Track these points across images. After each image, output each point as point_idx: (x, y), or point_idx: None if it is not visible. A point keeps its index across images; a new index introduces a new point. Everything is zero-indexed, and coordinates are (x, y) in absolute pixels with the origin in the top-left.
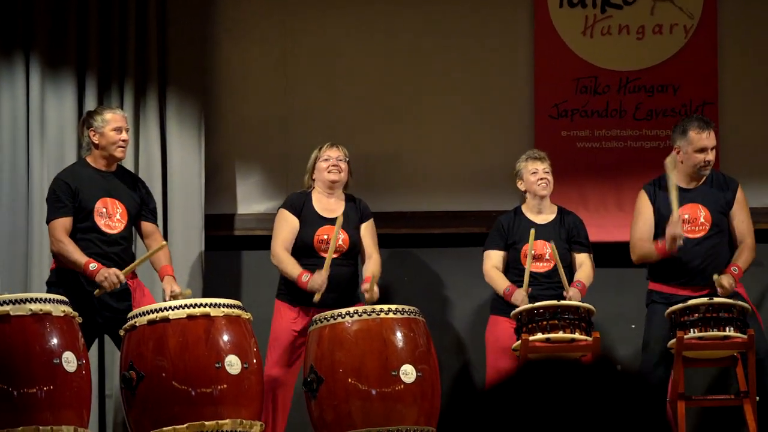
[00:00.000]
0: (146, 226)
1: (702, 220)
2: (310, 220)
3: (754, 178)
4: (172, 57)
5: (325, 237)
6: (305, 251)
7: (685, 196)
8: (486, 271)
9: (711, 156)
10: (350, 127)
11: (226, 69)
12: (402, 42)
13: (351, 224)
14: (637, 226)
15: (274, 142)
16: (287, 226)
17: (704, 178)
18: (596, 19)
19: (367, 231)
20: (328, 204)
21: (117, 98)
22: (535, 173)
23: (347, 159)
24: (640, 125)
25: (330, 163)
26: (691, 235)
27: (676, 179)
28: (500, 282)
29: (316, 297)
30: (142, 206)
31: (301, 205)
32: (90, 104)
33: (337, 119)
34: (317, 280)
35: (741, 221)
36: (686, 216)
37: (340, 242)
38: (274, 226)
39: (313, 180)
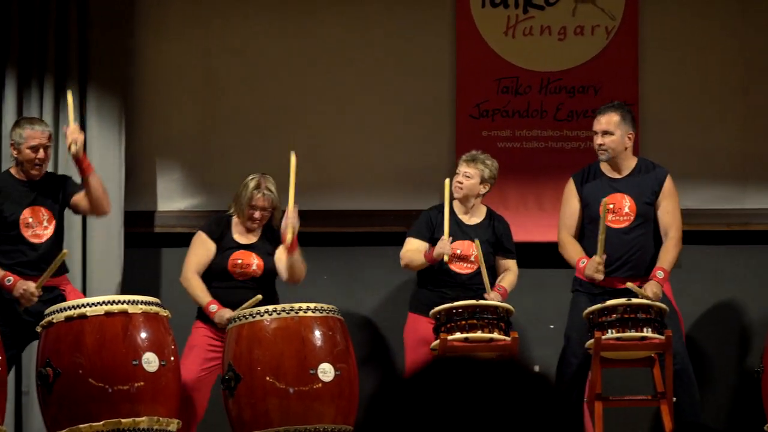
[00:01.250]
0: (78, 198)
1: (626, 210)
2: (226, 245)
3: (674, 179)
4: (93, 53)
5: (239, 261)
6: (220, 275)
7: (611, 185)
8: (402, 254)
9: (600, 140)
10: (271, 124)
11: (147, 66)
12: (324, 41)
13: (266, 251)
14: (563, 219)
15: (195, 140)
16: (203, 250)
17: (633, 168)
18: (518, 20)
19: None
20: (244, 231)
21: (37, 95)
22: (457, 174)
23: (274, 205)
24: (561, 126)
25: (255, 214)
26: (615, 226)
27: (604, 168)
28: (417, 253)
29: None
30: (66, 199)
31: (220, 231)
32: (9, 101)
33: (258, 117)
34: (224, 316)
35: (666, 212)
36: (611, 206)
37: (254, 268)
38: (190, 246)
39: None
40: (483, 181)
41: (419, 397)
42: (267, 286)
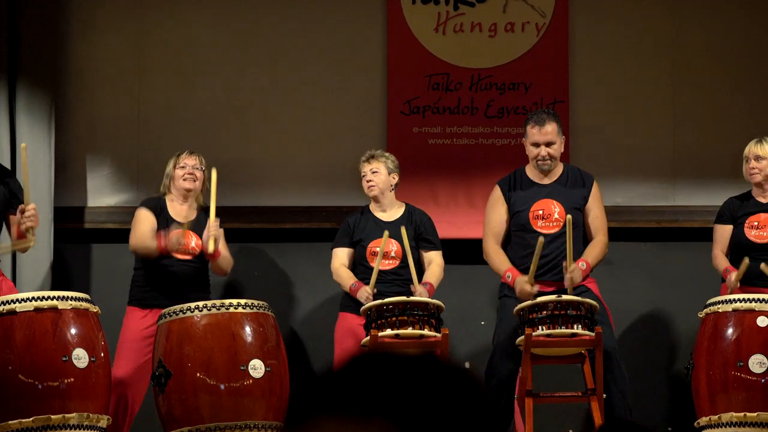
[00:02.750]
0: (14, 218)
1: (556, 215)
2: (165, 223)
3: (603, 177)
4: (23, 47)
5: None
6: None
7: (540, 191)
8: (334, 269)
9: (545, 151)
10: (202, 120)
11: (78, 61)
12: (256, 37)
13: (202, 229)
14: (489, 227)
15: (126, 136)
16: (147, 221)
17: (560, 173)
18: (449, 16)
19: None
20: (181, 210)
21: None
22: (364, 176)
23: (203, 167)
24: (491, 123)
25: (186, 171)
26: (545, 231)
27: (531, 174)
28: (346, 279)
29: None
30: (11, 199)
31: (158, 208)
32: None
33: (190, 113)
34: (172, 237)
35: (595, 217)
36: (540, 211)
37: (193, 245)
38: (133, 222)
39: (169, 188)
40: (390, 171)
41: (342, 391)
42: (204, 263)
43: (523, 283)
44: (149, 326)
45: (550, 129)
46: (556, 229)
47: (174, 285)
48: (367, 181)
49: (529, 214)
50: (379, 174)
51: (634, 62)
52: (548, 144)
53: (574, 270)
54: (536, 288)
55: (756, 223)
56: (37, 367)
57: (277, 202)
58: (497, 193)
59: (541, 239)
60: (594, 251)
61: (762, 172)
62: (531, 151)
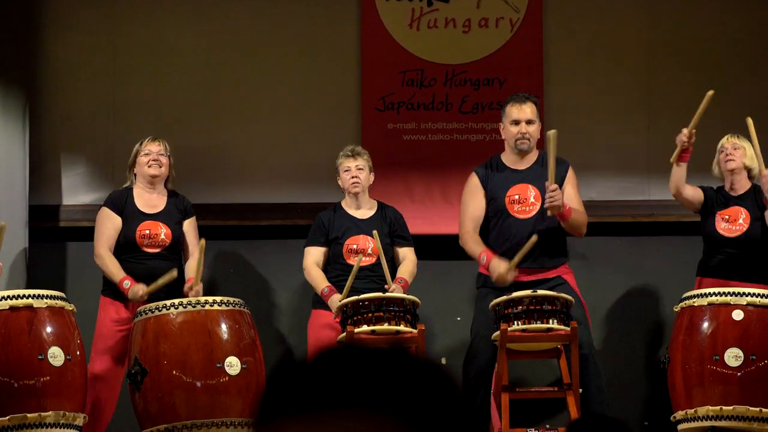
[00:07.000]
0: None
1: (532, 200)
2: (131, 217)
3: (578, 172)
4: None
5: (147, 232)
6: (128, 248)
7: (515, 176)
8: (306, 267)
9: (525, 128)
10: (177, 118)
11: (51, 59)
12: (229, 34)
13: (173, 219)
14: (467, 212)
15: (100, 133)
16: (110, 224)
17: (535, 159)
18: (423, 12)
19: (191, 228)
20: (149, 200)
21: None
22: (348, 171)
23: (168, 153)
24: (466, 118)
25: (150, 157)
26: (521, 216)
27: (506, 161)
28: (319, 281)
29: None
30: None
31: (123, 203)
32: None
33: (164, 110)
34: (138, 292)
35: (569, 195)
36: (516, 196)
37: (162, 237)
38: (96, 224)
39: (135, 175)
40: (370, 170)
41: (313, 385)
42: (176, 254)
43: (499, 267)
44: (123, 319)
45: (530, 109)
46: (532, 213)
47: (147, 277)
48: (352, 177)
49: (505, 199)
50: (363, 171)
51: (608, 57)
52: (528, 122)
53: (556, 191)
54: (513, 274)
55: (727, 217)
56: (13, 365)
57: (252, 199)
58: (475, 180)
59: (534, 237)
60: (577, 211)
61: (738, 160)
62: (510, 130)
